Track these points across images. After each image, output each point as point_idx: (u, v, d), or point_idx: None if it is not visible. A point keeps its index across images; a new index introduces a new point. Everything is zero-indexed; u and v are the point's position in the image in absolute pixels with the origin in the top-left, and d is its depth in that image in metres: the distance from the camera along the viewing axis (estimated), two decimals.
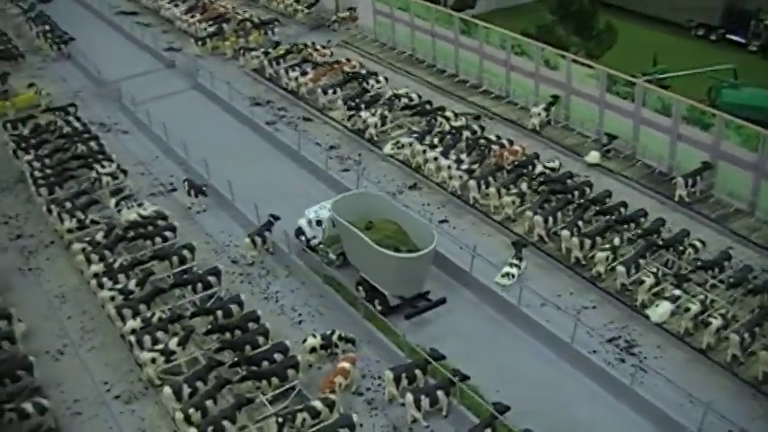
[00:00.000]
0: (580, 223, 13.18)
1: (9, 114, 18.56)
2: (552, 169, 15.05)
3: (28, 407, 10.09)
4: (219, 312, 11.66)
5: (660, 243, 12.65)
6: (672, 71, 19.44)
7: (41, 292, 12.98)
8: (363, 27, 19.40)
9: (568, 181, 14.59)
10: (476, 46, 16.79)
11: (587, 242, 12.77)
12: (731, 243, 13.18)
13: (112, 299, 11.90)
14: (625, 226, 13.13)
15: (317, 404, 10.03)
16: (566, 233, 12.89)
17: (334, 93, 18.33)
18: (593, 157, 15.59)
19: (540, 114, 16.60)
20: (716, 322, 10.95)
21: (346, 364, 10.65)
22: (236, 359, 10.73)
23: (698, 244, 12.71)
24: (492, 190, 14.28)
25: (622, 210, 13.66)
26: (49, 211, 14.30)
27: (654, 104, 14.22)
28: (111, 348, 11.52)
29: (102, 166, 15.39)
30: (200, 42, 21.49)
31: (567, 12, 18.82)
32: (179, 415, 9.85)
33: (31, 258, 13.88)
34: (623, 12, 24.98)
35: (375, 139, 16.91)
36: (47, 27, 21.89)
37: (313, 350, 11.12)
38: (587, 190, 14.42)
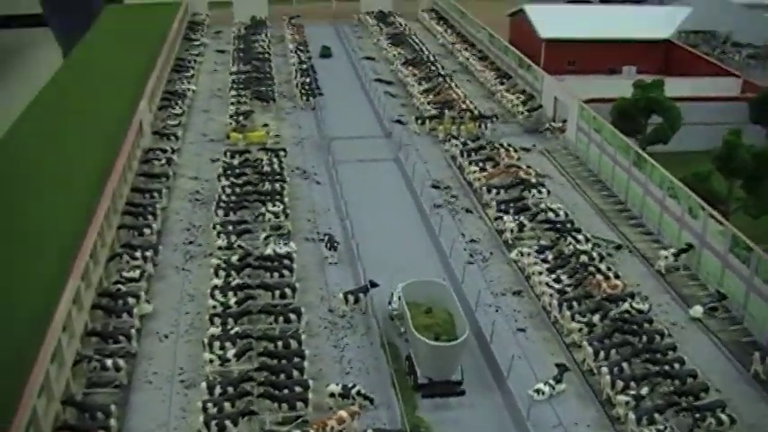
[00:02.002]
0: (625, 365, 13.13)
1: (238, 145, 20.97)
2: (639, 311, 14.75)
3: (108, 362, 12.73)
4: (279, 342, 13.57)
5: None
6: None
7: (179, 289, 15.64)
8: (567, 139, 20.03)
9: (646, 324, 14.06)
10: (642, 180, 16.61)
11: (620, 384, 12.82)
12: None
13: (213, 308, 14.44)
14: (676, 397, 12.71)
15: None
16: (604, 370, 13.07)
17: (497, 194, 19.12)
18: (696, 311, 15.16)
19: (667, 258, 16.25)
20: None
21: (345, 414, 11.97)
22: (263, 380, 12.84)
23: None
24: (567, 313, 14.69)
25: (688, 379, 13.03)
26: (214, 227, 17.04)
27: (765, 275, 13.06)
28: (198, 345, 13.85)
29: (274, 205, 17.50)
30: (419, 121, 23.10)
31: (726, 164, 17.53)
32: (198, 404, 12.23)
33: (188, 261, 16.57)
34: None
35: (510, 242, 17.64)
36: (307, 79, 23.36)
37: (332, 395, 12.89)
38: (657, 338, 13.84)
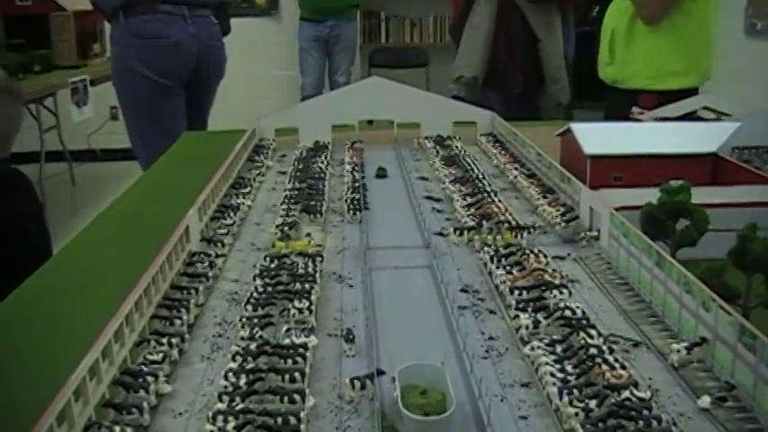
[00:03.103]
0: None
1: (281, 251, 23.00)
2: (640, 399, 13.74)
3: (116, 429, 12.75)
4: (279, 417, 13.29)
5: None
6: None
7: (201, 374, 13.93)
8: (601, 247, 19.88)
9: (645, 411, 13.14)
10: (663, 278, 16.41)
11: None
12: None
13: (225, 387, 14.17)
14: None
15: None
16: None
17: (519, 294, 18.85)
18: (704, 401, 13.80)
19: (679, 351, 15.44)
20: None
21: None
22: None
23: None
24: (566, 399, 13.69)
25: None
26: (240, 320, 17.32)
27: (766, 358, 12.52)
28: None
29: (300, 302, 17.71)
30: (458, 232, 24.13)
31: (741, 259, 17.04)
32: None
33: (214, 351, 15.84)
34: None
35: (525, 339, 16.97)
36: (356, 195, 26.16)
37: None
38: (654, 423, 12.81)
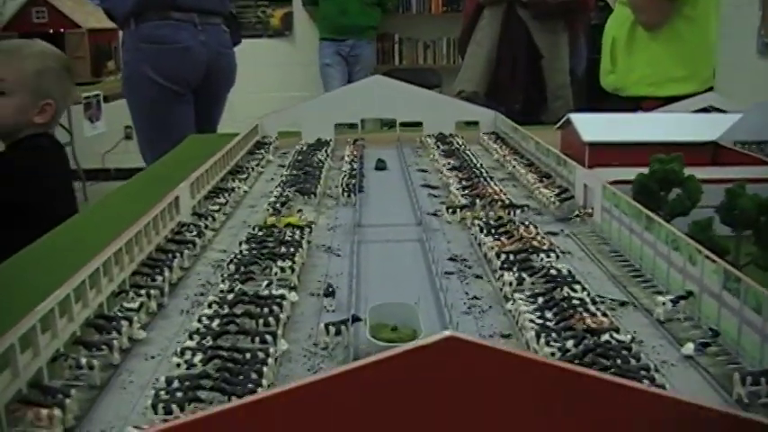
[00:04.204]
0: None
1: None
2: (619, 341, 13.50)
3: (83, 360, 12.81)
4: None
5: None
6: None
7: (179, 326, 14.31)
8: (594, 222, 19.71)
9: (623, 351, 12.93)
10: (652, 240, 16.27)
11: None
12: None
13: (197, 330, 14.39)
14: None
15: None
16: None
17: (506, 257, 18.44)
18: (688, 348, 13.52)
19: (665, 304, 15.10)
20: None
21: None
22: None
23: None
24: (542, 341, 13.50)
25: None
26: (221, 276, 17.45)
27: (750, 301, 12.21)
28: None
29: (284, 262, 18.02)
30: (450, 210, 23.83)
31: (729, 214, 16.67)
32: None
33: (194, 307, 15.94)
34: None
35: (509, 296, 16.54)
36: (353, 180, 26.13)
37: None
38: (632, 361, 12.57)
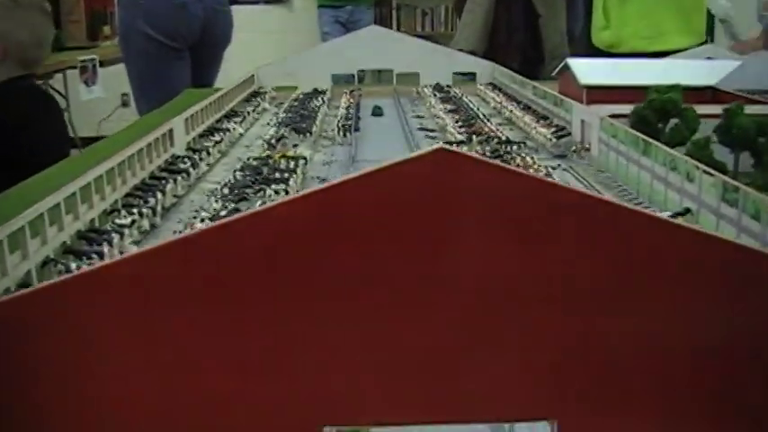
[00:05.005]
0: None
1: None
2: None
3: (72, 266, 12.92)
4: None
5: None
6: None
7: None
8: (592, 156, 19.80)
9: None
10: (649, 165, 16.39)
11: None
12: None
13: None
14: None
15: None
16: None
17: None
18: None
19: None
20: None
21: None
22: None
23: None
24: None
25: None
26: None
27: (749, 209, 12.40)
28: None
29: (277, 185, 18.47)
30: (454, 146, 24.10)
31: (727, 133, 16.54)
32: None
33: (187, 228, 17.06)
34: None
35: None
36: (348, 121, 26.51)
37: None
38: None
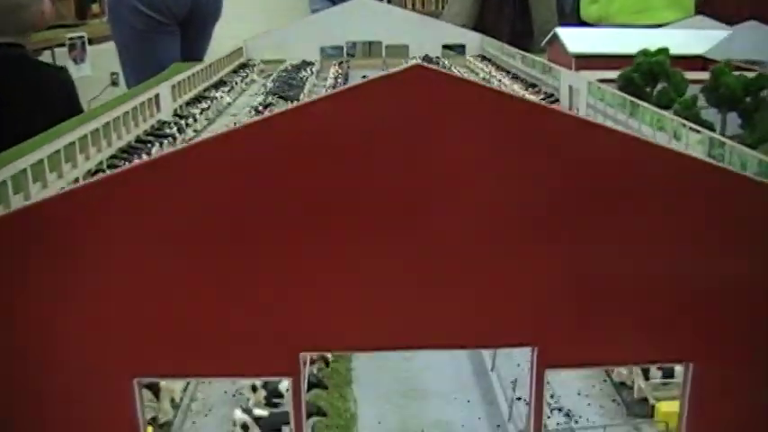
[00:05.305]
0: None
1: None
2: None
3: None
4: None
5: None
6: None
7: None
8: None
9: None
10: (636, 127, 16.38)
11: None
12: None
13: None
14: None
15: None
16: None
17: None
18: None
19: None
20: None
21: None
22: None
23: None
24: None
25: None
26: None
27: (735, 163, 12.59)
28: None
29: None
30: None
31: (714, 92, 16.34)
32: None
33: None
34: None
35: None
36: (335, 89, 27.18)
37: None
38: None
